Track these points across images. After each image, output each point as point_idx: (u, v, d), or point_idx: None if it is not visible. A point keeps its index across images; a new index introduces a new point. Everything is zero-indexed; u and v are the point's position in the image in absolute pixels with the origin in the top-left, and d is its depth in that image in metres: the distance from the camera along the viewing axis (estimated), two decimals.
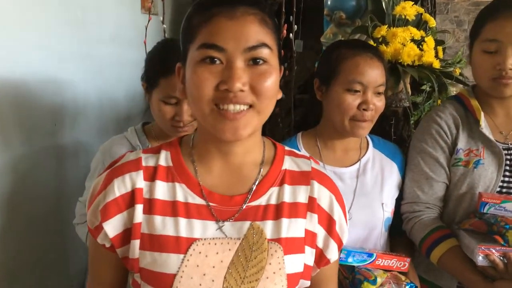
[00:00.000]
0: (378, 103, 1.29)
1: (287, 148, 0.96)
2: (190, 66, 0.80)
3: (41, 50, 1.64)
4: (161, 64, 1.33)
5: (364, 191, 1.34)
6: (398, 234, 1.42)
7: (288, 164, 0.92)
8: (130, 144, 1.43)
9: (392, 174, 1.40)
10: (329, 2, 1.93)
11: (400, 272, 1.26)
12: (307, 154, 1.33)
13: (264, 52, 0.78)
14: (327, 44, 1.99)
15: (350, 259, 1.21)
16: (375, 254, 1.23)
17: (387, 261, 1.25)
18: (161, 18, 1.94)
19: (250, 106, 0.79)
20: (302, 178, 0.91)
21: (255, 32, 0.78)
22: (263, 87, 0.78)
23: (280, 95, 0.86)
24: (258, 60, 0.78)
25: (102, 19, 1.98)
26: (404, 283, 1.21)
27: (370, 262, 1.23)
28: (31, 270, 1.65)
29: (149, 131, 1.49)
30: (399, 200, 1.42)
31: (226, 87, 0.76)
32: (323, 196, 0.91)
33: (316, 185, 0.90)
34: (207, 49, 0.77)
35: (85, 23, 1.87)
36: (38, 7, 1.61)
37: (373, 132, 1.39)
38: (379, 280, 1.18)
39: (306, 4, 2.12)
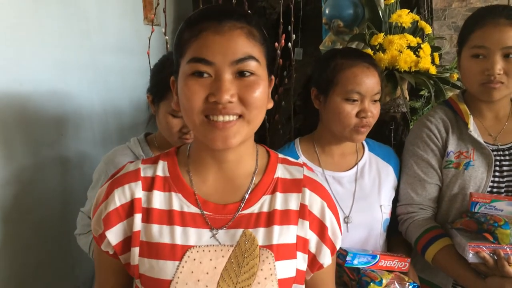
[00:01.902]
0: (375, 110, 1.33)
1: (280, 155, 0.99)
2: (181, 79, 0.84)
3: (45, 60, 1.67)
4: (169, 77, 1.36)
5: (363, 194, 1.38)
6: (396, 234, 1.46)
7: (281, 172, 0.95)
8: (134, 154, 1.44)
9: (388, 176, 1.44)
10: (327, 11, 1.96)
11: (401, 272, 1.29)
12: (306, 160, 1.37)
13: (251, 65, 0.82)
14: None
15: (355, 261, 1.25)
16: (378, 256, 1.27)
17: (389, 262, 1.28)
18: (163, 30, 1.98)
19: (240, 116, 0.82)
20: (294, 185, 0.93)
21: (242, 46, 0.81)
22: (251, 98, 0.81)
23: (271, 105, 0.89)
24: (245, 72, 0.81)
25: (105, 30, 2.01)
26: (407, 283, 1.25)
27: (374, 264, 1.26)
28: (37, 277, 1.68)
29: (151, 141, 1.51)
30: (395, 201, 1.45)
31: (215, 99, 0.79)
32: (314, 203, 0.93)
33: (307, 192, 0.93)
34: (196, 63, 0.81)
35: (89, 33, 1.90)
36: (41, 17, 1.65)
37: (373, 137, 1.42)
38: (384, 281, 1.22)
39: (305, 12, 2.15)
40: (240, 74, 0.81)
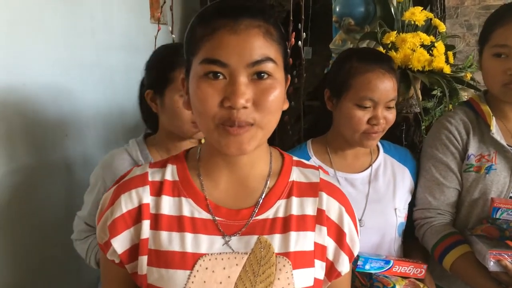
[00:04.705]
0: (389, 116, 1.28)
1: (295, 158, 0.95)
2: (194, 80, 0.79)
3: (50, 59, 1.65)
4: (172, 59, 1.31)
5: (376, 197, 1.34)
6: (413, 239, 1.42)
7: (296, 175, 0.91)
8: (132, 158, 1.38)
9: (404, 179, 1.40)
10: (337, 9, 1.93)
11: (417, 279, 1.25)
12: (318, 161, 1.33)
13: (269, 66, 0.77)
14: (336, 51, 1.98)
15: (367, 266, 1.20)
16: (392, 261, 1.23)
17: (404, 268, 1.24)
18: (170, 28, 1.95)
19: (252, 124, 0.77)
20: (310, 189, 0.89)
21: (259, 46, 0.76)
22: (267, 103, 0.76)
23: (286, 106, 0.84)
24: (262, 75, 0.77)
25: (111, 28, 1.99)
26: None
27: (387, 269, 1.22)
28: (41, 280, 1.66)
29: (151, 143, 1.44)
30: (412, 205, 1.41)
31: (229, 104, 0.75)
32: (332, 208, 0.89)
33: (324, 196, 0.89)
34: (209, 64, 0.76)
35: (94, 32, 1.88)
36: (46, 16, 1.63)
37: (384, 138, 1.38)
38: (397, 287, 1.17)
39: (315, 10, 2.11)
40: (257, 76, 0.76)
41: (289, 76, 0.86)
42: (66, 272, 1.77)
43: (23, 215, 1.57)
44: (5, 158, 1.49)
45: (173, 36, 1.96)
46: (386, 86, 1.26)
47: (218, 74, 0.76)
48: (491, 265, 1.16)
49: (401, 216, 1.36)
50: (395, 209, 1.34)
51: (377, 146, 1.43)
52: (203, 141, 1.46)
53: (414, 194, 1.41)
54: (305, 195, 0.88)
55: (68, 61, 1.74)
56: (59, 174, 1.73)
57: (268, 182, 0.88)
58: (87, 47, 1.84)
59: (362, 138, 1.29)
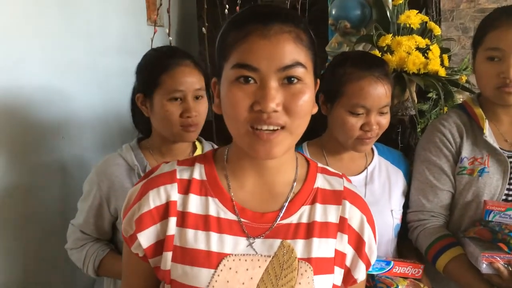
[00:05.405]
0: (383, 121, 1.29)
1: (320, 165, 0.96)
2: (225, 84, 0.80)
3: (45, 61, 1.65)
4: (160, 63, 1.33)
5: (373, 199, 1.34)
6: (406, 240, 1.42)
7: (321, 182, 0.92)
8: (127, 163, 1.37)
9: (398, 181, 1.41)
10: (333, 12, 1.94)
11: (414, 279, 1.26)
12: None
13: (299, 71, 0.77)
14: (332, 54, 1.99)
15: (369, 268, 1.22)
16: (392, 262, 1.24)
17: (403, 269, 1.25)
18: (167, 31, 1.95)
19: (283, 127, 0.78)
20: (334, 197, 0.90)
21: (289, 51, 0.76)
22: (297, 107, 0.77)
23: (315, 110, 0.85)
24: (292, 79, 0.77)
25: (107, 31, 1.99)
26: None
27: (388, 270, 1.24)
28: (37, 284, 1.65)
29: (145, 147, 1.43)
30: (405, 207, 1.42)
31: (260, 108, 0.76)
32: (354, 216, 0.90)
33: (347, 205, 0.90)
34: (240, 69, 0.77)
35: (90, 34, 1.88)
36: (42, 18, 1.63)
37: (380, 140, 1.39)
38: None
39: (311, 13, 2.12)
40: (287, 81, 0.77)
41: (318, 80, 0.87)
42: (61, 275, 1.76)
43: (19, 217, 1.56)
44: (0, 160, 1.49)
45: (170, 38, 1.96)
46: (378, 93, 1.25)
47: (249, 79, 0.77)
48: (484, 267, 1.16)
49: (397, 217, 1.37)
50: (391, 210, 1.35)
51: (372, 148, 1.43)
52: (199, 147, 1.47)
53: (407, 196, 1.42)
54: (329, 202, 0.90)
55: (64, 64, 1.74)
56: (55, 176, 1.72)
57: (294, 187, 0.89)
58: (83, 49, 1.84)
59: (355, 143, 1.29)
